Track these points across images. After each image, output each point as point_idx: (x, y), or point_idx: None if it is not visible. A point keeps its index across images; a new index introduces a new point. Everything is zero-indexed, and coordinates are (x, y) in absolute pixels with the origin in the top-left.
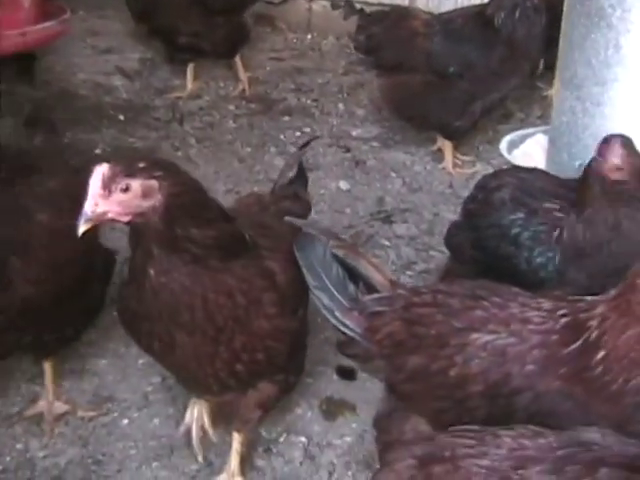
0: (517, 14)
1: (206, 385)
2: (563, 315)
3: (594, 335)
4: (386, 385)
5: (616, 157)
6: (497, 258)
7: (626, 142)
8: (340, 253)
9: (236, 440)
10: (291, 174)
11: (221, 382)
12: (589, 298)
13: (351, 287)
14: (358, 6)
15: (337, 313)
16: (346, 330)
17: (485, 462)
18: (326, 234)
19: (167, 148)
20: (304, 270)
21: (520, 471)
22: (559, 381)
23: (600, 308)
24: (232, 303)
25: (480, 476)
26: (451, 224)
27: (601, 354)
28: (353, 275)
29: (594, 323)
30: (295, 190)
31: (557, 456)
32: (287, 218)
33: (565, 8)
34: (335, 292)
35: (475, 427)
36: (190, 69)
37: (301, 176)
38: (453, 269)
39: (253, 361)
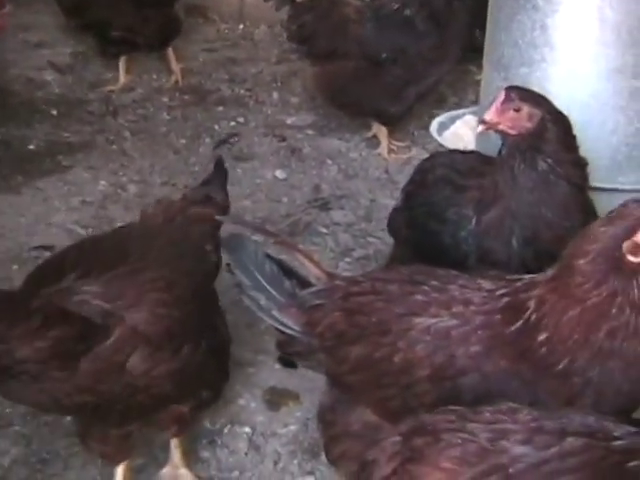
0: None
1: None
2: (504, 295)
3: (534, 317)
4: (328, 378)
5: (491, 115)
6: (426, 235)
7: (513, 94)
8: (274, 247)
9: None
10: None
11: (118, 423)
12: (527, 277)
13: (287, 283)
14: None
15: (275, 312)
16: (285, 329)
17: (464, 434)
18: (257, 229)
19: (101, 142)
20: (237, 271)
21: (496, 442)
22: (505, 360)
23: (538, 289)
24: (89, 394)
25: (458, 446)
26: (392, 208)
27: (544, 336)
28: (287, 271)
29: (533, 304)
30: (207, 192)
31: (529, 428)
32: (218, 217)
33: None
34: (271, 290)
35: (458, 407)
36: (122, 62)
37: (218, 176)
38: (396, 253)
39: (142, 406)
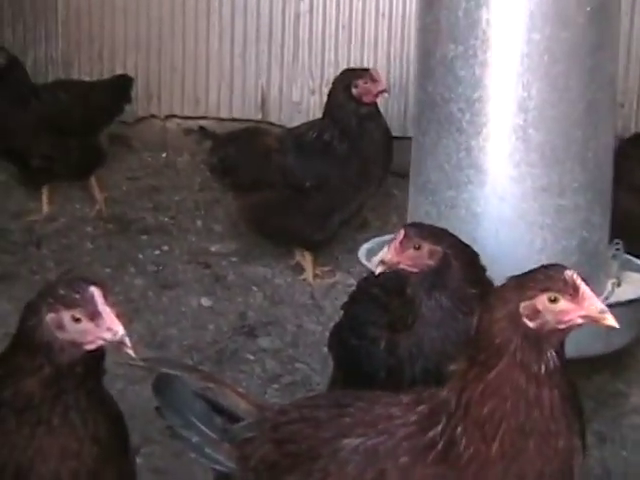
0: (353, 132)
1: None
2: (418, 405)
3: (448, 419)
4: None
5: (391, 255)
6: (347, 350)
7: (412, 232)
8: (201, 385)
9: None
10: None
11: None
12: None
13: (217, 419)
14: (211, 129)
15: (207, 449)
16: (219, 466)
17: None
18: (183, 368)
19: (25, 272)
20: (167, 413)
21: None
22: (432, 466)
23: (444, 396)
24: None
25: None
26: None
27: (456, 437)
28: (217, 407)
29: (443, 412)
30: None
31: None
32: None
33: (415, 115)
34: (203, 427)
35: None
36: (45, 191)
37: None
38: (333, 372)
39: None
